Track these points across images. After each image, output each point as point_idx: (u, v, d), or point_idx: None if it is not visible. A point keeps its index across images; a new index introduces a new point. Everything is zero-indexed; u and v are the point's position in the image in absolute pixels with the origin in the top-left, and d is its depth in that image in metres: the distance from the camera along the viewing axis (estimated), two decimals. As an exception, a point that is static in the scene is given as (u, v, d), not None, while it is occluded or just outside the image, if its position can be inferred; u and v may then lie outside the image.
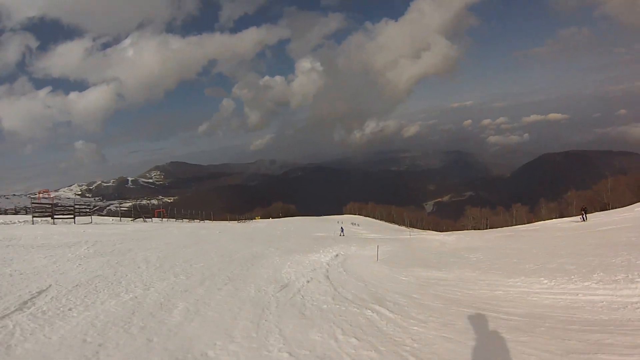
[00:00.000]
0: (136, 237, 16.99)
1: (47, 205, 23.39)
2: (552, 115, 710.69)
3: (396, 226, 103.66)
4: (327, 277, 10.83)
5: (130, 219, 33.69)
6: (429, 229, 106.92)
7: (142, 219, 33.84)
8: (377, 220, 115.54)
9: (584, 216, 31.48)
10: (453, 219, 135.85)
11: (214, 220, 52.32)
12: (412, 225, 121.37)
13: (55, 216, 21.95)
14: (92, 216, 27.54)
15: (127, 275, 8.84)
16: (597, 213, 39.63)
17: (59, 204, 27.21)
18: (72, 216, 23.03)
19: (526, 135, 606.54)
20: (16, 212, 44.60)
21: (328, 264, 13.58)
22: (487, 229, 75.66)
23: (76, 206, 24.69)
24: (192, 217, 44.14)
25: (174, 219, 41.09)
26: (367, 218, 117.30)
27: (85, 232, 16.59)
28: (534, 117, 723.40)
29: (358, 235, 40.86)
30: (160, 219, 39.06)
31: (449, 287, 9.15)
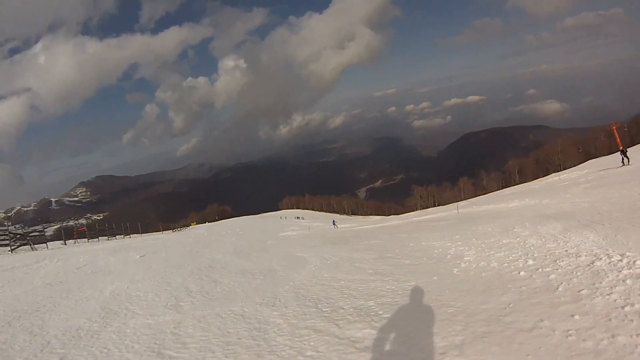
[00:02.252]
0: None
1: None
2: (471, 98, 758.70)
3: (342, 215, 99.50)
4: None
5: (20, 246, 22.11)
6: (371, 214, 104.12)
7: (29, 245, 22.33)
8: (318, 212, 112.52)
9: (625, 159, 24.66)
10: (392, 202, 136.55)
11: (143, 233, 43.63)
12: (353, 212, 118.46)
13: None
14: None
15: None
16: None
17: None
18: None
19: (449, 117, 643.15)
20: None
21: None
22: (435, 206, 74.48)
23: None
24: (113, 233, 34.15)
25: (97, 238, 31.60)
26: (307, 210, 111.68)
27: None
28: (454, 101, 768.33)
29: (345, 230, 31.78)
30: (76, 240, 30.10)
31: None
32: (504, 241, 8.53)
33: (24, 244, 21.93)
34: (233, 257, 13.26)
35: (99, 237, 31.96)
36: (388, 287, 6.49)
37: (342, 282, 7.48)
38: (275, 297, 6.97)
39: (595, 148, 67.57)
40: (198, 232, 38.76)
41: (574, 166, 51.14)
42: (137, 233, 41.12)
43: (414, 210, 75.38)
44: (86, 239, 31.09)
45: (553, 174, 46.94)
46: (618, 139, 32.73)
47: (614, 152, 41.51)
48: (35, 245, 22.43)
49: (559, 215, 10.45)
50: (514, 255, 7.14)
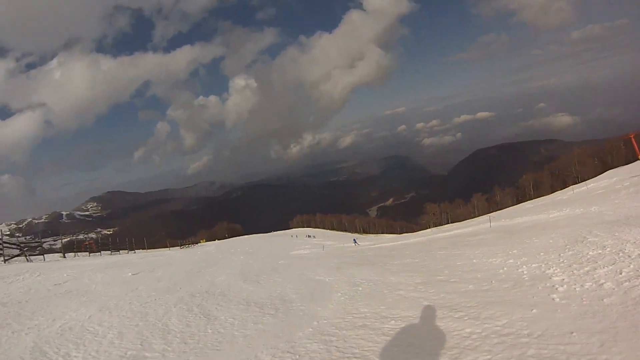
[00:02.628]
0: None
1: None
2: (480, 114, 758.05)
3: (354, 234, 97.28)
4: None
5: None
6: (383, 233, 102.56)
7: (24, 255, 20.65)
8: (330, 231, 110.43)
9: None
10: (404, 220, 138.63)
11: (149, 248, 42.30)
12: (364, 231, 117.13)
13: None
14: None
15: None
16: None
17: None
18: None
19: (459, 134, 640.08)
20: None
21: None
22: (448, 223, 72.64)
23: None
24: (117, 248, 32.93)
25: (99, 252, 30.05)
26: (318, 229, 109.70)
27: None
28: (463, 117, 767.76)
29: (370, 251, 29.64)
30: (76, 254, 27.70)
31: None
32: (590, 253, 6.79)
33: (20, 255, 20.41)
34: (239, 279, 11.09)
35: (101, 252, 30.25)
36: (469, 329, 4.31)
37: (392, 321, 5.20)
38: (293, 349, 4.69)
39: (612, 158, 65.91)
40: (206, 249, 37.08)
41: (593, 177, 49.57)
42: (143, 248, 39.55)
43: (428, 228, 74.23)
44: (87, 253, 28.95)
45: (578, 184, 45.33)
46: (636, 148, 32.93)
47: (632, 162, 42.05)
48: (32, 257, 21.04)
49: (631, 220, 9.23)
50: (626, 269, 5.22)
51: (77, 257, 25.17)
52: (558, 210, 18.32)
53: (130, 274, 13.51)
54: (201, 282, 10.92)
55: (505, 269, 7.21)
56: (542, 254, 7.68)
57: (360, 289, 7.86)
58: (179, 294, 9.21)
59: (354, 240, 45.46)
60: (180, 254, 28.15)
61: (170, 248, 44.35)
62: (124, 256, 25.74)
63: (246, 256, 22.62)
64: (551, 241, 8.81)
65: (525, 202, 49.35)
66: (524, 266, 7.02)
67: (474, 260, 8.71)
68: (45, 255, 23.33)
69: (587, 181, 44.08)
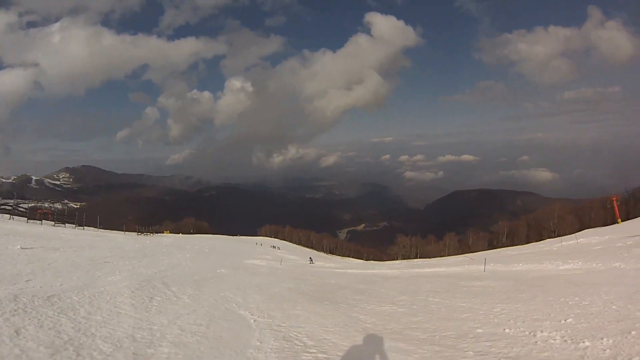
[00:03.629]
0: None
1: None
2: (465, 157, 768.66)
3: (320, 253, 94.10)
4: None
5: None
6: (350, 256, 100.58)
7: None
8: (296, 245, 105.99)
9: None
10: (373, 247, 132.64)
11: (112, 229, 40.04)
12: (330, 251, 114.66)
13: None
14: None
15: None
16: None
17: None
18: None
19: (440, 172, 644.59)
20: None
21: None
22: (417, 258, 73.14)
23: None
24: (79, 223, 31.96)
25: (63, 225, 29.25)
26: (285, 242, 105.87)
27: None
28: (448, 157, 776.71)
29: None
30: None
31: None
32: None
33: None
34: (133, 290, 6.99)
35: (65, 224, 29.68)
36: None
37: None
38: None
39: (590, 218, 65.54)
40: (162, 240, 34.36)
41: (569, 233, 47.72)
42: (105, 228, 37.59)
43: (396, 259, 73.20)
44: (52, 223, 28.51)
45: (556, 238, 43.24)
46: (617, 211, 34.58)
47: (610, 224, 42.91)
48: None
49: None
50: None
51: (11, 220, 23.37)
52: (562, 260, 15.01)
53: (19, 246, 10.35)
54: (77, 277, 7.30)
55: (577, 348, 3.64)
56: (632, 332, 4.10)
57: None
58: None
59: (310, 258, 42.46)
60: (126, 240, 24.17)
61: (125, 233, 39.90)
62: (62, 230, 22.90)
63: (193, 255, 19.80)
64: (615, 307, 5.56)
65: (507, 248, 47.11)
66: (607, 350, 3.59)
67: (506, 330, 5.05)
68: None
69: (571, 235, 42.27)
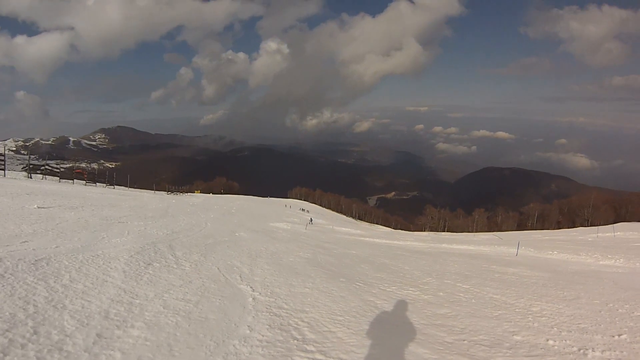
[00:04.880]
0: None
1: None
2: (500, 133, 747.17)
3: (348, 218, 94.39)
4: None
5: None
6: (378, 223, 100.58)
7: None
8: (326, 209, 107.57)
9: None
10: (401, 216, 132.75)
11: (144, 189, 42.02)
12: (360, 217, 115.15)
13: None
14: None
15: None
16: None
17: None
18: None
19: (474, 147, 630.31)
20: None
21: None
22: (445, 231, 72.77)
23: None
24: (111, 182, 33.30)
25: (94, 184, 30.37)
26: (315, 205, 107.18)
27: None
28: (483, 132, 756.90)
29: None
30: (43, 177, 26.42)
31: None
32: None
33: None
34: (132, 254, 6.49)
35: (96, 183, 30.82)
36: None
37: None
38: None
39: (627, 211, 64.35)
40: (191, 200, 34.11)
41: (604, 225, 44.74)
42: (139, 187, 38.90)
43: (424, 230, 72.42)
44: (84, 182, 29.47)
45: (591, 228, 40.46)
46: None
47: None
48: None
49: None
50: None
51: (43, 180, 23.30)
52: (601, 254, 13.60)
53: (36, 206, 9.95)
54: (79, 238, 6.92)
55: None
56: None
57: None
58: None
59: (311, 219, 39.01)
60: (151, 199, 24.00)
61: (155, 192, 40.35)
62: (90, 189, 22.85)
63: (218, 216, 19.70)
64: None
65: (533, 231, 44.99)
66: None
67: (550, 342, 4.14)
68: (6, 172, 21.46)
69: (607, 227, 39.99)
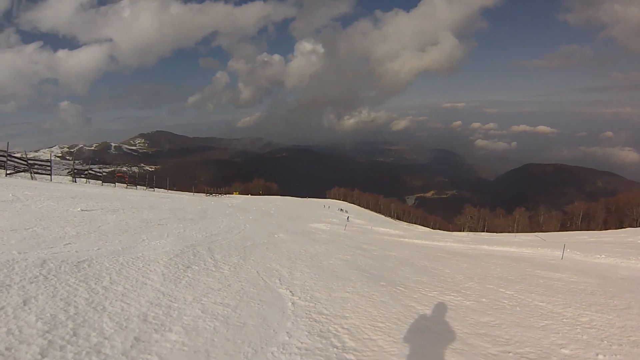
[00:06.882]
0: None
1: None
2: (541, 128, 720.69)
3: (387, 218, 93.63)
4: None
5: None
6: (416, 223, 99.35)
7: (30, 173, 20.76)
8: (364, 209, 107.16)
9: None
10: (439, 215, 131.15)
11: (186, 192, 43.32)
12: (398, 217, 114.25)
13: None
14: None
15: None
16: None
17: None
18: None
19: (514, 143, 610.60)
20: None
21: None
22: (484, 231, 72.03)
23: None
24: (150, 185, 35.26)
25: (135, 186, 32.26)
26: (353, 205, 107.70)
27: None
28: (523, 127, 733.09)
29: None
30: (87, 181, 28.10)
31: None
32: None
33: (25, 171, 20.40)
34: (172, 257, 6.60)
35: (137, 186, 32.28)
36: None
37: None
38: None
39: None
40: (230, 201, 34.73)
41: None
42: (180, 190, 39.87)
43: (462, 231, 72.91)
44: (125, 185, 31.02)
45: None
46: None
47: None
48: (37, 175, 20.78)
49: None
50: None
51: (87, 184, 24.51)
52: None
53: (79, 209, 10.00)
54: (120, 240, 6.96)
55: None
56: None
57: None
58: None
59: (347, 217, 40.17)
60: (191, 201, 24.38)
61: (194, 194, 41.28)
62: (131, 192, 23.63)
63: (256, 217, 19.90)
64: None
65: (577, 232, 43.11)
66: None
67: (600, 357, 3.84)
68: (53, 176, 22.27)
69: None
